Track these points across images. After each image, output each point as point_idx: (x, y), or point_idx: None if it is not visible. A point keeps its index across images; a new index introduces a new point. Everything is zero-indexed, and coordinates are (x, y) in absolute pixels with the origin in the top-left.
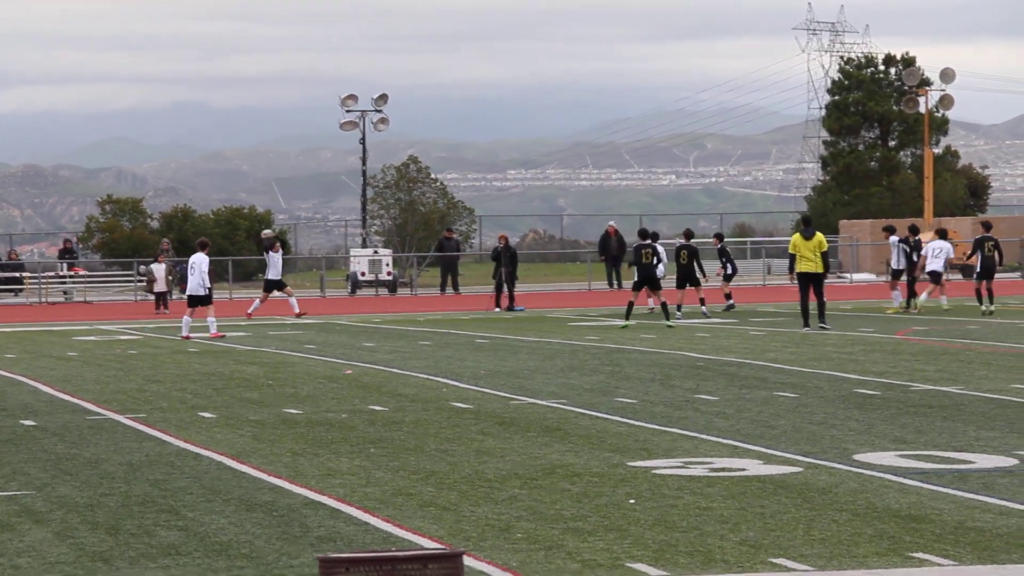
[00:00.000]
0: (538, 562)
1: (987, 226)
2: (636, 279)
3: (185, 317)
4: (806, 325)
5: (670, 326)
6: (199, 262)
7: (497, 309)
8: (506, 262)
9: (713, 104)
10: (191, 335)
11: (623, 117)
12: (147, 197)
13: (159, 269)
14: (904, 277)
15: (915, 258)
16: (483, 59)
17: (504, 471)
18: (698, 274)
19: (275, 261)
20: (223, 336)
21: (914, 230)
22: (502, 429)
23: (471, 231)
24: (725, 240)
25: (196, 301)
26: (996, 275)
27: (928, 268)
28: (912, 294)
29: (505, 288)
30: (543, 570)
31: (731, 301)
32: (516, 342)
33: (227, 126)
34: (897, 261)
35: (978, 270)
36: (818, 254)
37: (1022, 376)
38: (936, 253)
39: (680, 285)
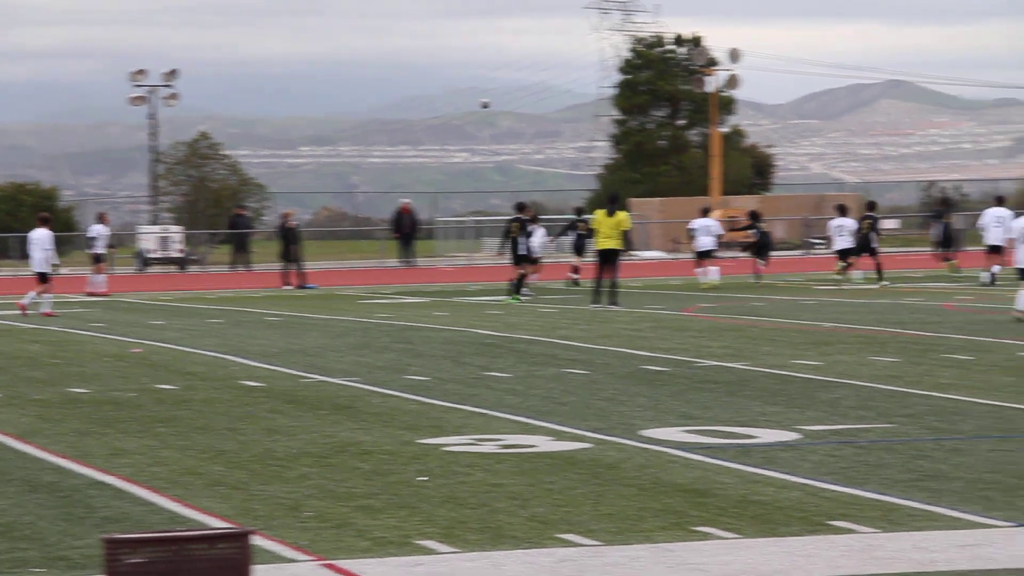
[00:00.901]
0: (328, 540)
1: (871, 205)
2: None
3: (31, 293)
4: (596, 302)
5: (513, 301)
6: (40, 238)
7: (288, 287)
8: (293, 239)
9: (506, 82)
10: (53, 312)
11: (416, 94)
12: None
13: None
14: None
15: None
16: (276, 34)
17: (294, 449)
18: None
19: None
20: (37, 314)
21: (704, 211)
22: (293, 407)
23: (263, 208)
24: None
25: (44, 277)
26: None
27: (836, 247)
28: (879, 270)
29: (295, 266)
30: (332, 548)
31: (576, 276)
32: (307, 320)
33: (10, 99)
34: (704, 243)
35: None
36: (618, 232)
37: (804, 352)
38: (841, 231)
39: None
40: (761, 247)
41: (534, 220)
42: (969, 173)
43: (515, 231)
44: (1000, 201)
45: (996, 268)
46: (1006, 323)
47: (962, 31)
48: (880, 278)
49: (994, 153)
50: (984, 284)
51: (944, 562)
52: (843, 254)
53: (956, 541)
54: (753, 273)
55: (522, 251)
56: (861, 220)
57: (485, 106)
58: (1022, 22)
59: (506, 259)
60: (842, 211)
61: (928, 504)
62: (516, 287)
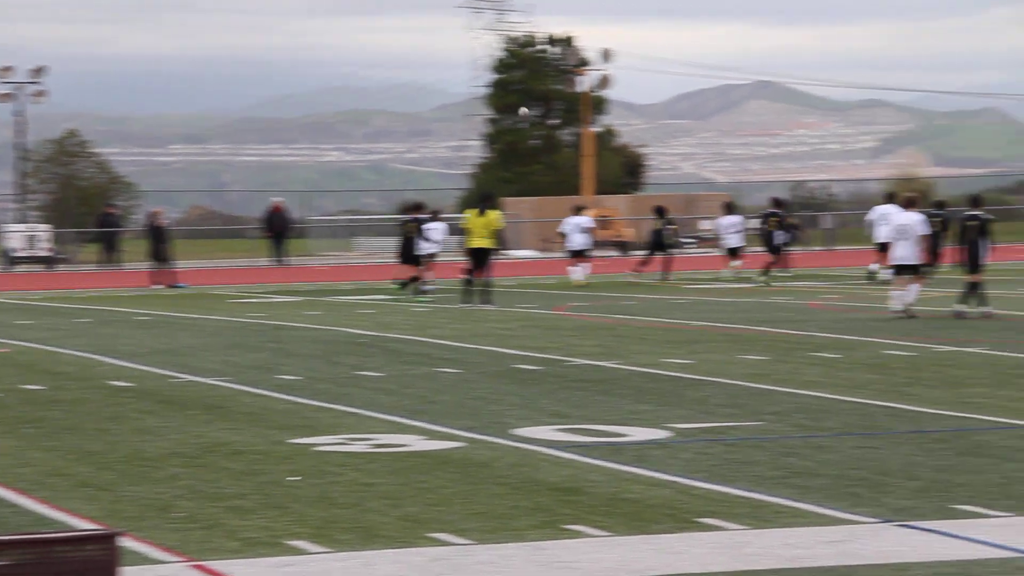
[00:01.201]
0: (197, 541)
1: (777, 203)
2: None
3: None
4: (467, 301)
5: (400, 295)
6: None
7: (158, 286)
8: (162, 238)
9: (379, 81)
10: None
11: (289, 93)
12: None
13: None
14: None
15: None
16: (147, 31)
17: (164, 450)
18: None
19: None
20: None
21: (577, 209)
22: (163, 407)
23: (133, 206)
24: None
25: None
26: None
27: (729, 245)
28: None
29: (165, 265)
30: (202, 549)
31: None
32: (178, 319)
33: None
34: (576, 241)
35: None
36: (489, 231)
37: (675, 350)
38: (731, 230)
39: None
40: (656, 245)
41: (435, 217)
42: (836, 173)
43: (411, 231)
44: (890, 198)
45: (874, 267)
46: (871, 321)
47: (829, 32)
48: (768, 279)
49: (860, 153)
50: (871, 276)
51: (810, 558)
52: (733, 252)
53: (823, 537)
54: (637, 271)
55: (419, 251)
56: (767, 217)
57: (524, 114)
58: (887, 24)
59: (397, 259)
60: (730, 209)
61: (795, 501)
62: (404, 285)
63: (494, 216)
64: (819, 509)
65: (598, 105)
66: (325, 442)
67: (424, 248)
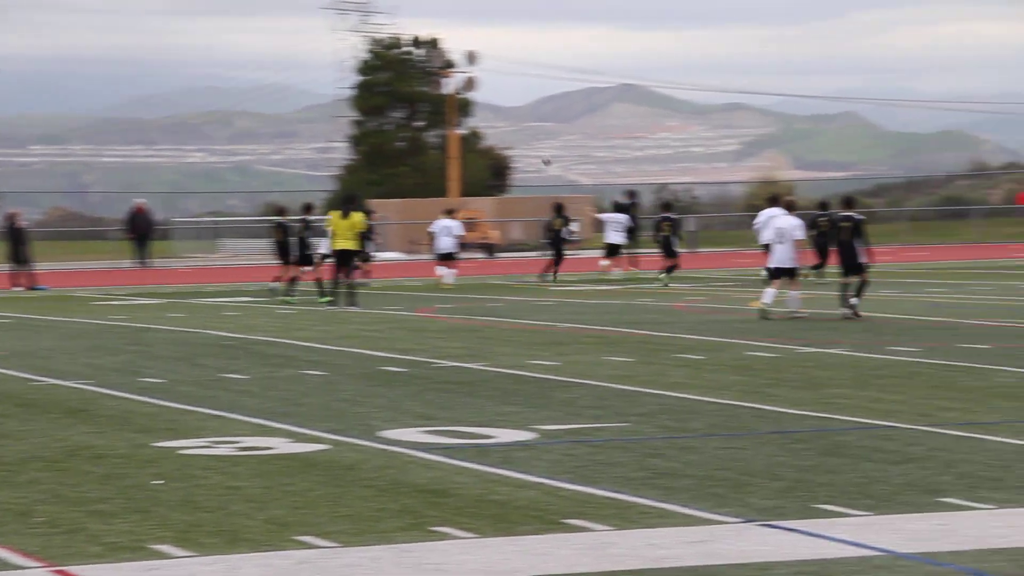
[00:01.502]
0: (59, 546)
1: (667, 206)
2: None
3: None
4: (334, 303)
5: (323, 302)
6: None
7: (17, 288)
8: (21, 239)
9: (243, 82)
10: None
11: (151, 93)
12: None
13: None
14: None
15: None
16: (5, 29)
17: (25, 454)
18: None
19: None
20: None
21: (448, 211)
22: (22, 411)
23: None
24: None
25: None
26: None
27: (609, 240)
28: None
29: (25, 267)
30: (64, 554)
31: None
32: (38, 322)
33: None
34: (444, 244)
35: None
36: (354, 233)
37: (541, 352)
38: (615, 226)
39: (303, 263)
40: (556, 244)
41: None
42: (699, 176)
43: (300, 232)
44: (774, 201)
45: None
46: (735, 323)
47: (692, 36)
48: (667, 279)
49: (723, 156)
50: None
51: (675, 558)
52: (612, 249)
53: (686, 537)
54: (543, 273)
55: (315, 252)
56: (660, 221)
57: (547, 163)
58: (748, 28)
59: (278, 259)
60: (618, 207)
61: (660, 501)
62: (323, 291)
63: (358, 218)
64: (684, 509)
65: (463, 107)
66: (189, 445)
67: (319, 248)
